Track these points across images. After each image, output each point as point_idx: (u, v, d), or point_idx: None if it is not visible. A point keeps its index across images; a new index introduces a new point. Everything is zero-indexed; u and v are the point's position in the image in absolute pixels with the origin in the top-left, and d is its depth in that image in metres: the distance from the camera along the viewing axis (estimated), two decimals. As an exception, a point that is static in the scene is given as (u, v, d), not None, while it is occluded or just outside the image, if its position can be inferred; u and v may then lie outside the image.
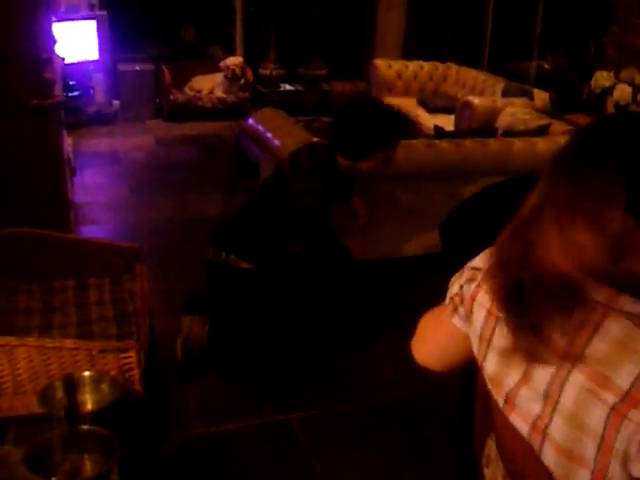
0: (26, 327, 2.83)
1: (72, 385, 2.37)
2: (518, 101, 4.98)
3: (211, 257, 3.14)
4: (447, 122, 5.38)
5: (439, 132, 4.17)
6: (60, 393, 2.29)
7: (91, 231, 4.20)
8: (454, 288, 1.24)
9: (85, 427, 2.09)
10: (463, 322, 1.22)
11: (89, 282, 3.15)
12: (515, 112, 4.69)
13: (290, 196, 2.97)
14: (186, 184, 5.28)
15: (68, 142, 5.28)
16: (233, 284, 3.11)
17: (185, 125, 6.84)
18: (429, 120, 5.65)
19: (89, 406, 2.34)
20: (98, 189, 5.05)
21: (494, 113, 4.83)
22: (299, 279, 3.11)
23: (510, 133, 4.15)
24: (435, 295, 1.35)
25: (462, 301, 1.21)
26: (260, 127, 4.17)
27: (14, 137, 3.30)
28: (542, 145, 3.96)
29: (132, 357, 2.53)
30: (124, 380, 2.54)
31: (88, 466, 2.07)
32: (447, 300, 1.25)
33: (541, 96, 5.23)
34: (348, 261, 3.23)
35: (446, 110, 5.77)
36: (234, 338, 3.15)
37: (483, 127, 4.64)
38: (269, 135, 3.99)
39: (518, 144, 3.92)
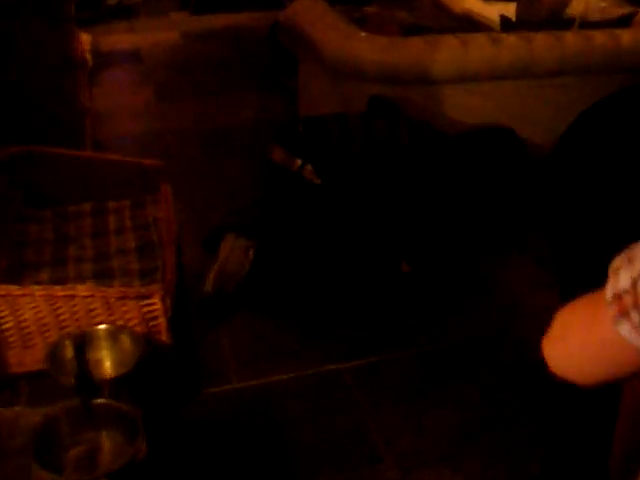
0: (37, 262, 2.46)
1: (84, 343, 2.02)
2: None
3: (279, 161, 2.69)
4: (507, 12, 4.75)
5: (506, 23, 3.58)
6: (70, 353, 1.94)
7: (111, 144, 3.77)
8: (622, 280, 0.80)
9: (100, 400, 1.75)
10: (636, 334, 0.79)
11: (108, 206, 2.76)
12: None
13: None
14: (216, 85, 4.78)
15: (85, 40, 4.78)
16: (301, 201, 2.66)
17: (213, 17, 6.25)
18: (485, 9, 5.00)
19: (107, 370, 2.00)
20: (119, 93, 4.58)
21: (563, 1, 4.20)
22: (378, 215, 2.68)
23: (588, 24, 3.57)
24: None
25: (636, 304, 0.78)
26: (297, 20, 3.64)
27: (14, 38, 2.84)
28: (627, 38, 3.39)
29: (157, 304, 2.16)
30: (148, 331, 2.19)
31: (107, 447, 1.74)
32: (609, 294, 0.82)
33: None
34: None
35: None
36: (281, 270, 2.73)
37: (553, 17, 4.05)
38: (308, 29, 3.47)
39: (599, 38, 3.35)
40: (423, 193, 2.77)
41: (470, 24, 4.72)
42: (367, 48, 3.12)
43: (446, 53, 3.08)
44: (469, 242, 3.00)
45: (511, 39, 3.23)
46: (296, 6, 3.81)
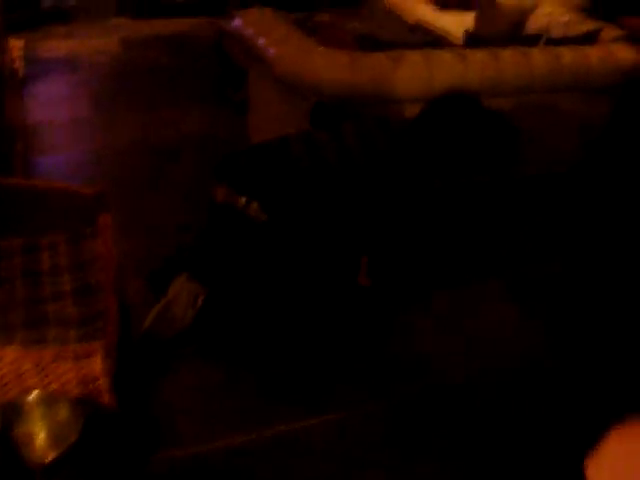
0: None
1: (13, 415, 1.74)
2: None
3: (221, 201, 2.46)
4: (462, 22, 4.59)
5: (470, 38, 3.38)
6: (-5, 429, 1.66)
7: (45, 166, 3.45)
8: None
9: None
10: None
11: (40, 242, 2.46)
12: (552, 12, 3.93)
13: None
14: (159, 97, 4.48)
15: (16, 46, 4.44)
16: (247, 241, 2.41)
17: (155, 23, 5.94)
18: (440, 19, 4.81)
19: (40, 448, 1.72)
20: (55, 105, 4.23)
21: (523, 13, 4.05)
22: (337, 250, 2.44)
23: (553, 40, 3.41)
24: None
25: None
26: (248, 32, 3.39)
27: None
28: (595, 56, 3.25)
29: (98, 364, 1.89)
30: (88, 393, 1.92)
31: None
32: None
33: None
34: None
35: (462, 4, 4.89)
36: (231, 319, 2.48)
37: (514, 30, 3.90)
38: (260, 42, 3.22)
39: (568, 55, 3.20)
40: (381, 203, 2.54)
41: (425, 34, 4.55)
42: (326, 65, 2.89)
43: (410, 71, 2.88)
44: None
45: (477, 55, 3.04)
46: (245, 16, 3.56)
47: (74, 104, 4.29)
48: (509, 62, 3.05)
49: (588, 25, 3.68)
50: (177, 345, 2.42)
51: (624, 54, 3.31)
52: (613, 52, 3.30)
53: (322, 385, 2.32)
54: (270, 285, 2.43)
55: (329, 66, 2.89)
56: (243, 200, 2.39)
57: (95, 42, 5.39)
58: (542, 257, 3.06)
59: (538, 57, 3.13)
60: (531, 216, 3.33)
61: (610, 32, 3.53)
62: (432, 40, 3.89)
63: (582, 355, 2.53)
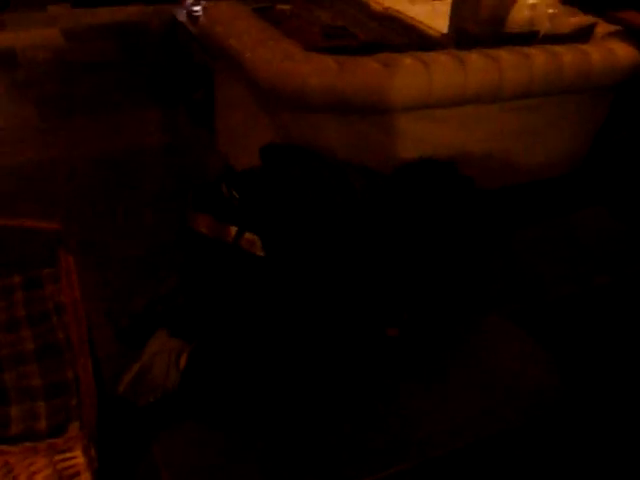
0: None
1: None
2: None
3: (206, 232, 2.12)
4: (434, 11, 4.30)
5: (462, 36, 3.08)
6: None
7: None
8: None
9: None
10: None
11: (-9, 288, 2.10)
12: (536, 4, 3.67)
13: None
14: (110, 98, 4.07)
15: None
16: (243, 280, 2.07)
17: (97, 11, 5.48)
18: (411, 8, 4.51)
19: None
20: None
21: (505, 3, 3.78)
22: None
23: (548, 38, 3.15)
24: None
25: None
26: (216, 30, 3.03)
27: None
28: (595, 55, 3.01)
29: (78, 457, 1.56)
30: (66, 492, 1.58)
31: None
32: None
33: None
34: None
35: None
36: (227, 372, 2.14)
37: (495, 23, 3.64)
38: (232, 43, 2.87)
39: (567, 55, 2.94)
40: (397, 246, 2.27)
41: (393, 22, 4.24)
42: (311, 70, 2.57)
43: (408, 78, 2.58)
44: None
45: (474, 58, 2.76)
46: (212, 11, 3.19)
47: (15, 110, 3.85)
48: (509, 65, 2.78)
49: (575, 18, 3.44)
50: (160, 412, 2.07)
51: (623, 52, 3.08)
52: (613, 50, 3.06)
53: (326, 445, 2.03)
54: (271, 334, 2.09)
55: (315, 72, 2.57)
56: (233, 230, 2.06)
57: (34, 34, 4.92)
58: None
59: (538, 58, 2.86)
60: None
61: (603, 27, 3.30)
62: (417, 39, 3.59)
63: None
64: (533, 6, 3.70)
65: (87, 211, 2.92)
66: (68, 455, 1.53)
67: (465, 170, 2.87)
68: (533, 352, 2.44)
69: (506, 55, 2.83)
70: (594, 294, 2.78)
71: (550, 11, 3.61)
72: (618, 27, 3.31)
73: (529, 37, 3.05)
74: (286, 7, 4.59)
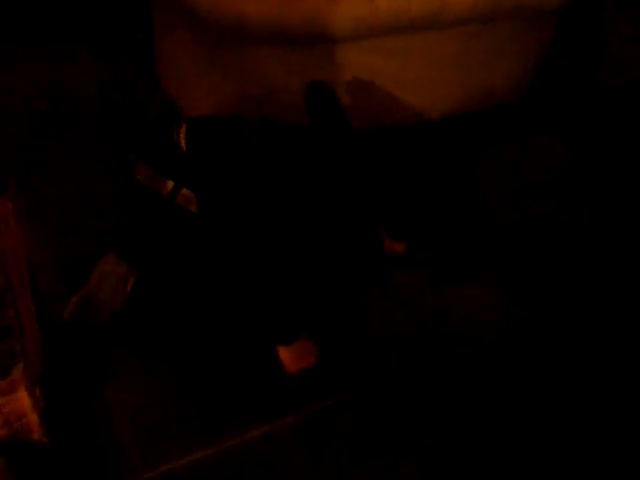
0: None
1: None
2: None
3: (144, 182, 2.06)
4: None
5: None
6: None
7: None
8: None
9: None
10: None
11: None
12: None
13: None
14: (44, 35, 3.87)
15: None
16: (175, 231, 2.05)
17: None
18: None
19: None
20: None
21: None
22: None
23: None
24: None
25: None
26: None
27: None
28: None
29: (23, 398, 1.54)
30: (13, 434, 1.56)
31: None
32: None
33: None
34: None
35: None
36: (168, 304, 2.13)
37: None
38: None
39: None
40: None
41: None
42: (252, 2, 2.49)
43: (350, 6, 2.52)
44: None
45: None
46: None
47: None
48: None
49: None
50: (107, 336, 2.07)
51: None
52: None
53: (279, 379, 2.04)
54: (207, 273, 2.08)
55: (255, 3, 2.49)
56: (170, 185, 2.02)
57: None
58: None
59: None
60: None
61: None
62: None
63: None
64: None
65: (21, 154, 2.82)
66: (12, 397, 1.49)
67: (408, 101, 2.86)
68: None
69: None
70: (539, 222, 2.81)
71: None
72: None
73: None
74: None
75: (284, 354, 2.02)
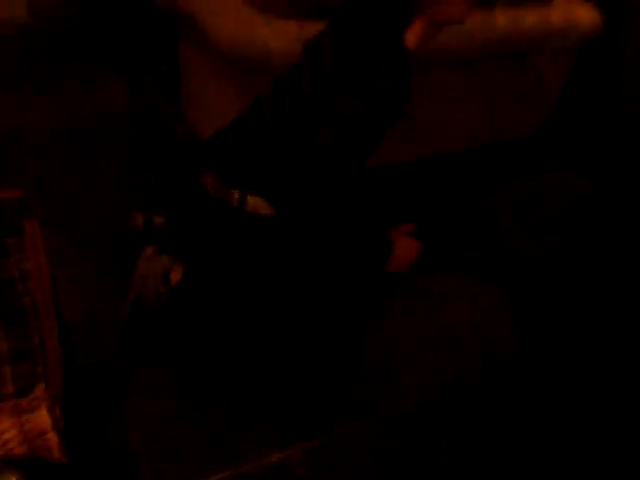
0: None
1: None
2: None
3: (214, 193, 1.92)
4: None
5: None
6: None
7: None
8: None
9: None
10: None
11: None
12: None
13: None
14: (69, 59, 3.98)
15: None
16: (251, 242, 1.93)
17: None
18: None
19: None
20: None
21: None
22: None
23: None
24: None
25: None
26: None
27: None
28: (557, 17, 3.04)
29: (44, 416, 1.59)
30: (32, 452, 1.61)
31: None
32: None
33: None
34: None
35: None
36: (211, 315, 2.00)
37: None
38: (195, 9, 2.85)
39: (529, 16, 2.97)
40: None
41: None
42: (273, 36, 2.57)
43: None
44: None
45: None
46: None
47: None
48: (473, 26, 2.80)
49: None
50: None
51: (584, 14, 3.11)
52: (574, 12, 3.09)
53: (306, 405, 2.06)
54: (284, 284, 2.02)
55: (276, 37, 2.57)
56: (237, 194, 1.95)
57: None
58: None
59: (499, 19, 2.88)
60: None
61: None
62: None
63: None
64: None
65: (51, 180, 2.91)
66: (33, 415, 1.55)
67: (426, 133, 2.91)
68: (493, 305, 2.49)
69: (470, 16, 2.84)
70: (557, 251, 2.83)
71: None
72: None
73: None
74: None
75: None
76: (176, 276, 1.98)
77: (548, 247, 2.87)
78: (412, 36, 1.53)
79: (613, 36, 3.38)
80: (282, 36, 2.57)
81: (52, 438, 1.60)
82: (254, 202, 1.87)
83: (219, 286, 2.00)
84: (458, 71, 2.92)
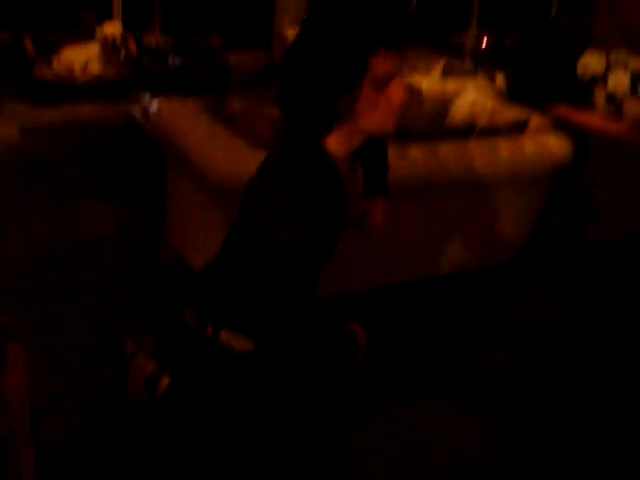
0: None
1: None
2: (473, 84, 4.14)
3: (191, 324, 1.96)
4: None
5: (405, 132, 3.24)
6: None
7: None
8: None
9: None
10: None
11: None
12: (475, 100, 3.88)
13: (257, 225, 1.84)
14: (66, 192, 4.13)
15: None
16: (223, 373, 1.95)
17: (56, 109, 5.60)
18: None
19: None
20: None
21: (444, 101, 3.98)
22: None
23: (486, 130, 3.33)
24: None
25: None
26: (169, 129, 3.13)
27: None
28: (530, 147, 3.18)
29: None
30: None
31: None
32: None
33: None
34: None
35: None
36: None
37: (437, 119, 3.83)
38: (183, 143, 2.97)
39: (504, 147, 3.11)
40: None
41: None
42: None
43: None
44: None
45: (414, 152, 2.90)
46: (164, 110, 3.32)
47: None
48: (447, 156, 2.93)
49: (512, 112, 3.63)
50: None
51: (555, 143, 3.27)
52: (545, 142, 3.24)
53: None
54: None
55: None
56: (210, 328, 1.99)
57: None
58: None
59: (475, 149, 3.02)
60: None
61: (536, 120, 3.49)
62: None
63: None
64: (472, 103, 3.91)
65: (37, 305, 2.95)
66: None
67: (409, 259, 2.98)
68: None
69: (444, 148, 2.98)
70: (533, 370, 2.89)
71: (489, 106, 3.82)
72: (551, 120, 3.52)
73: (466, 130, 3.22)
74: (237, 103, 4.74)
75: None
76: (163, 384, 2.00)
77: (524, 367, 2.93)
78: (332, 141, 1.69)
79: (580, 166, 3.54)
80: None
81: None
82: (228, 336, 1.91)
83: (198, 407, 2.02)
84: (433, 201, 3.03)
